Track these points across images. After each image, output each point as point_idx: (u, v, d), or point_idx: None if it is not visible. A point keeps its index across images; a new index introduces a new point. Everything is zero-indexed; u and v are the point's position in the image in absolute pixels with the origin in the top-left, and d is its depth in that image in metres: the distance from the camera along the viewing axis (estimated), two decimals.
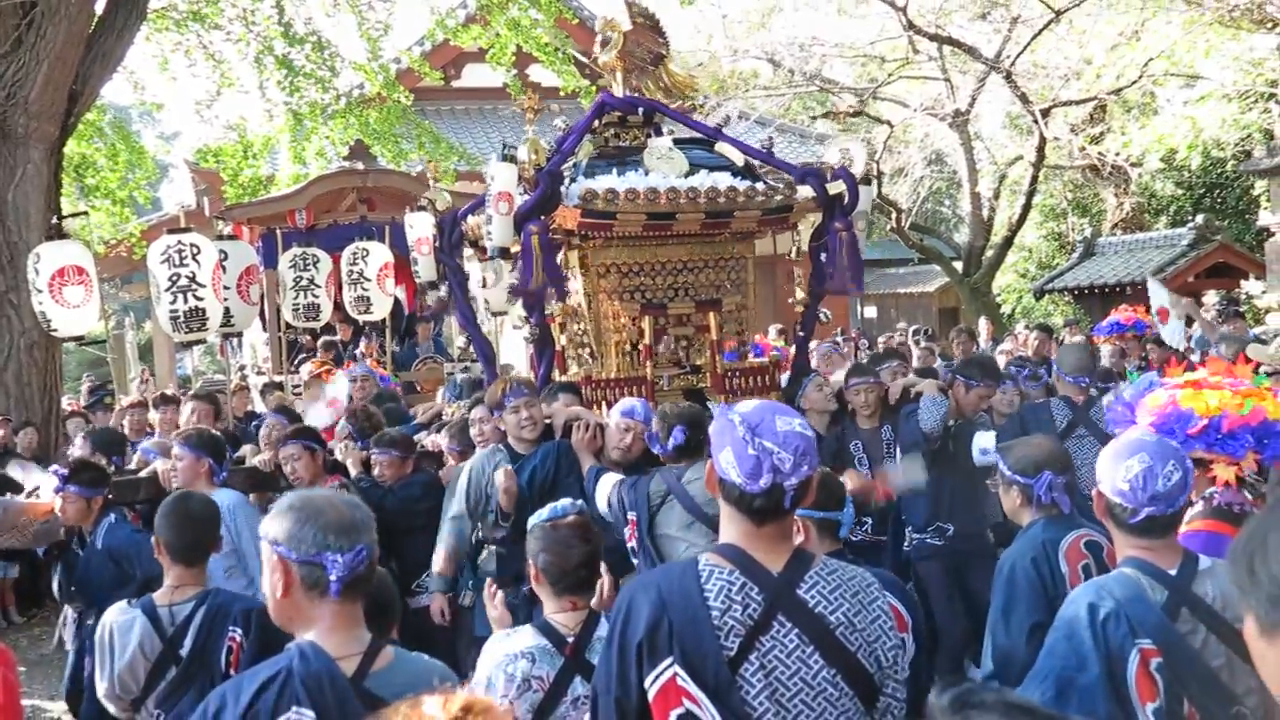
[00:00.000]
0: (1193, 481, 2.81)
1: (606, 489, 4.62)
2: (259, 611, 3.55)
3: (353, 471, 5.90)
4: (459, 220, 6.01)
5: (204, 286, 7.65)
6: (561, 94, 14.36)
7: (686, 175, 5.59)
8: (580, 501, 3.32)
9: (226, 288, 8.18)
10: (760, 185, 5.66)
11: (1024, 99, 16.24)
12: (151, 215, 19.31)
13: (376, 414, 6.91)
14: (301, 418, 7.23)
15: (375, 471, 5.84)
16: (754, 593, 2.24)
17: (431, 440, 6.49)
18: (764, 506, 2.26)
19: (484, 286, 6.96)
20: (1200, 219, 16.98)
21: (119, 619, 3.50)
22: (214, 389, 10.61)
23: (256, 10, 13.06)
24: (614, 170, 5.53)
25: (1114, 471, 2.79)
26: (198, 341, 8.23)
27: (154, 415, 9.06)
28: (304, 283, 10.50)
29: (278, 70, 13.22)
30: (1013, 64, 15.85)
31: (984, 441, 5.14)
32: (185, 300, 7.63)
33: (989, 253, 17.99)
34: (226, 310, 8.17)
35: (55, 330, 7.96)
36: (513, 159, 5.25)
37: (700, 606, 2.21)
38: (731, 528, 2.33)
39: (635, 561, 4.46)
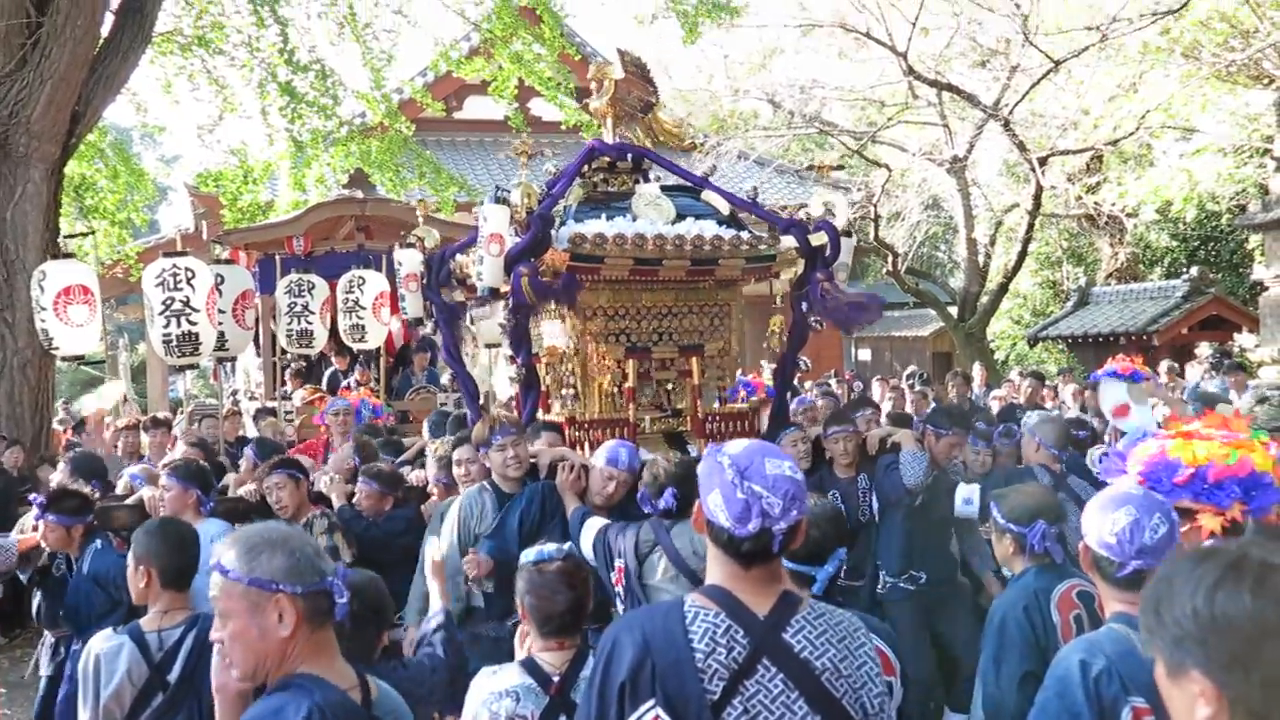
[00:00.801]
0: (1179, 535, 2.81)
1: (591, 534, 4.63)
2: None
3: (336, 503, 5.91)
4: (447, 258, 6.07)
5: (198, 311, 7.67)
6: (563, 127, 14.44)
7: (673, 222, 5.69)
8: (568, 545, 3.32)
9: (222, 312, 8.19)
10: (745, 234, 5.78)
11: (1021, 147, 16.34)
12: (149, 237, 19.31)
13: (371, 444, 6.94)
14: (282, 448, 7.23)
15: (354, 501, 5.88)
16: (739, 635, 2.22)
17: (416, 475, 6.52)
18: (752, 550, 2.24)
19: (471, 323, 7.02)
20: (1195, 271, 17.05)
21: (105, 647, 3.46)
22: (207, 411, 10.59)
23: (261, 37, 13.15)
24: (603, 215, 5.62)
25: (1101, 524, 2.79)
26: (190, 366, 8.23)
27: (145, 438, 9.02)
28: (299, 309, 10.51)
29: (280, 97, 13.29)
30: (1011, 112, 15.96)
31: (966, 493, 5.21)
32: (179, 324, 7.64)
33: (984, 298, 18.04)
34: (221, 334, 8.18)
35: (57, 349, 7.97)
36: (505, 201, 5.31)
37: (684, 648, 2.19)
38: (718, 569, 2.31)
39: (619, 607, 4.46)
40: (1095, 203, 18.19)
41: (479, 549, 4.95)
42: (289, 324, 10.55)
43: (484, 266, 5.26)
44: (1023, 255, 17.73)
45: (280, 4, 13.11)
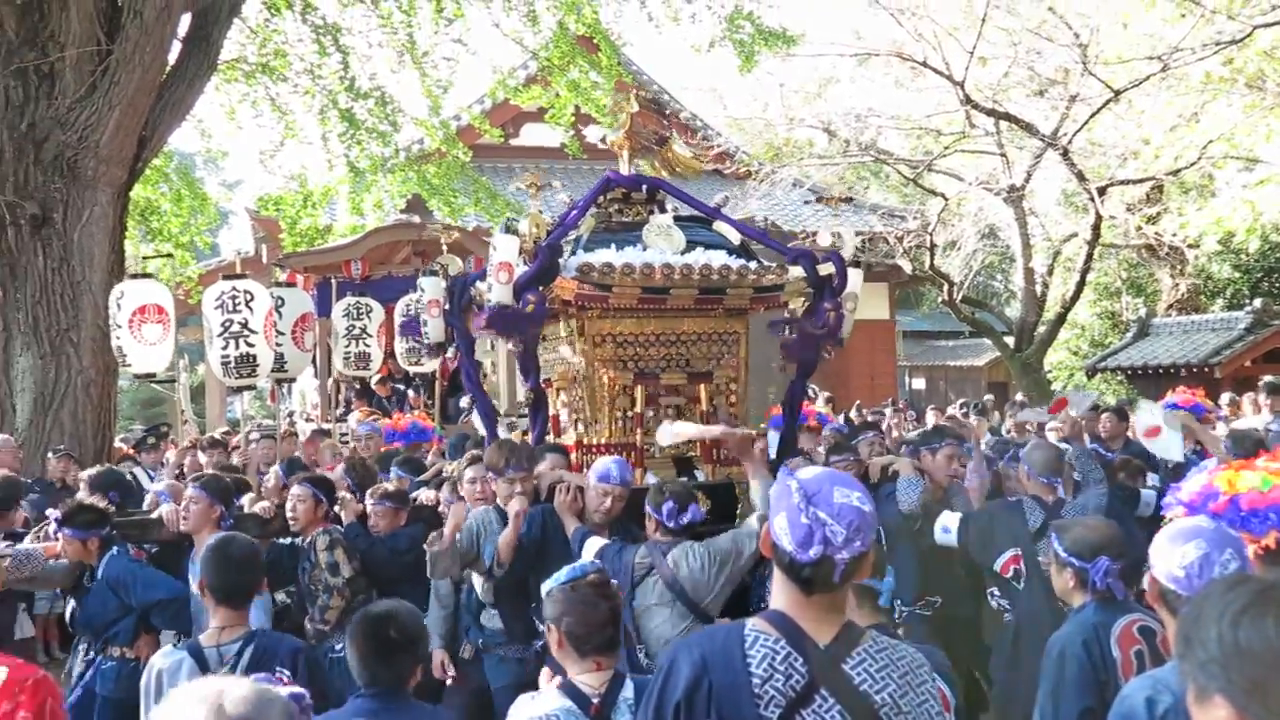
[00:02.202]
0: (1251, 570, 2.75)
1: (591, 554, 4.68)
2: (307, 652, 3.64)
3: (346, 521, 6.00)
4: (469, 285, 6.16)
5: (255, 333, 7.77)
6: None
7: (683, 252, 5.74)
8: (597, 561, 3.33)
9: (281, 334, 8.31)
10: (753, 264, 5.81)
11: (1080, 177, 16.18)
12: (210, 260, 19.65)
13: (372, 467, 7.03)
14: (308, 468, 7.34)
15: (370, 523, 5.97)
16: (798, 664, 2.20)
17: (428, 495, 6.60)
18: (812, 577, 2.23)
19: (491, 348, 7.14)
20: (1258, 303, 16.77)
21: (166, 663, 3.52)
22: (265, 432, 10.72)
23: (323, 65, 13.36)
24: (613, 245, 5.68)
25: (1169, 557, 2.73)
26: (248, 387, 8.34)
27: (203, 458, 9.16)
28: (356, 331, 10.64)
29: (340, 123, 13.49)
30: (1069, 141, 15.81)
31: (945, 521, 5.15)
32: (237, 346, 7.74)
33: (1041, 329, 17.84)
34: (280, 356, 8.29)
35: (129, 365, 8.14)
36: (515, 231, 5.45)
37: (742, 672, 2.18)
38: (781, 595, 2.30)
39: None
40: (1156, 233, 17.95)
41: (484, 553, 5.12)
42: (346, 347, 10.70)
43: (493, 294, 5.38)
44: (1081, 285, 17.52)
45: (342, 33, 13.33)
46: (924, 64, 16.21)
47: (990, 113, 16.21)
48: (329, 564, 5.58)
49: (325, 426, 11.86)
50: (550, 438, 6.05)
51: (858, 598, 3.26)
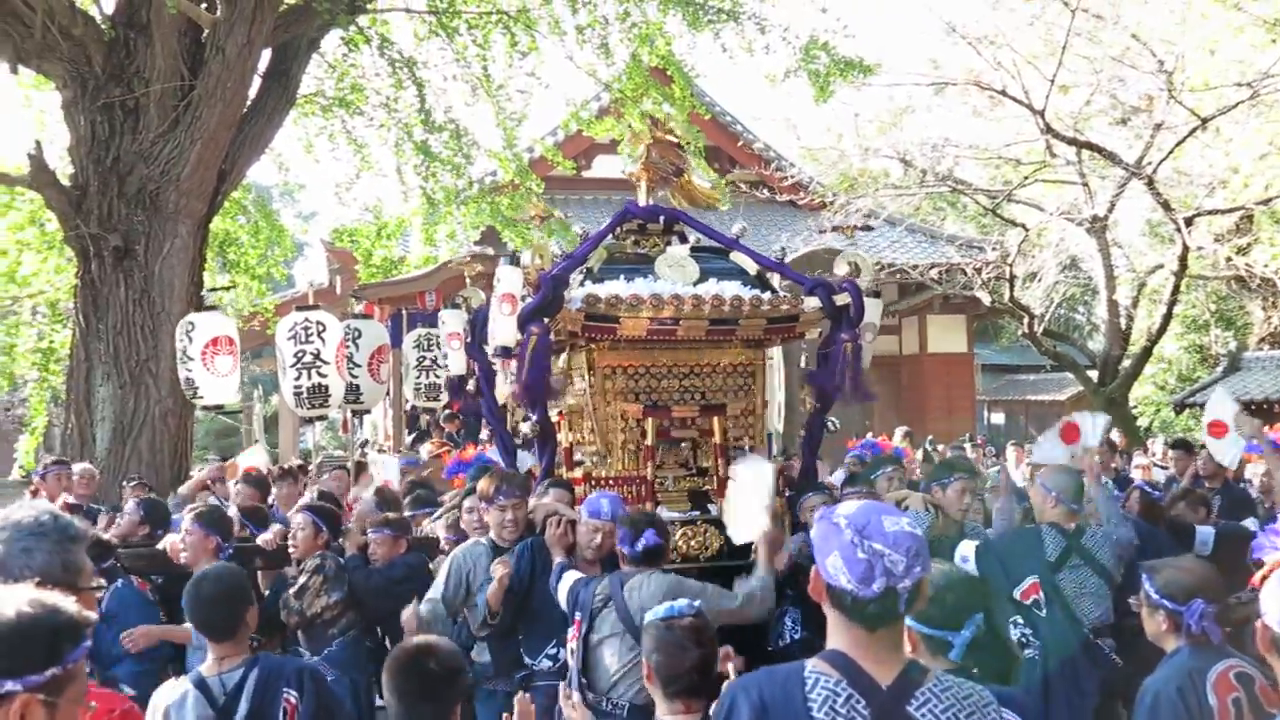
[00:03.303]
0: None
1: (567, 585, 4.71)
2: (312, 671, 3.68)
3: (349, 550, 6.08)
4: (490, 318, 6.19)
5: (327, 364, 7.85)
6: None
7: (696, 283, 5.74)
8: (698, 603, 3.30)
9: (357, 365, 8.40)
10: (766, 295, 5.79)
11: (1166, 206, 15.88)
12: (285, 291, 20.02)
13: (394, 494, 7.19)
14: (335, 499, 7.44)
15: (370, 551, 6.05)
16: (860, 705, 2.17)
17: (430, 526, 6.63)
18: (877, 612, 2.20)
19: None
20: None
21: (171, 697, 3.54)
22: (336, 464, 10.85)
23: (399, 98, 13.57)
24: (622, 276, 5.71)
25: None
26: (319, 417, 8.45)
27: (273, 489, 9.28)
28: (427, 363, 10.74)
29: (415, 155, 13.65)
30: (1154, 170, 15.54)
31: (965, 550, 5.03)
32: (309, 376, 7.83)
33: (1126, 362, 17.49)
34: (356, 387, 8.39)
35: (201, 398, 8.27)
36: (518, 262, 5.50)
37: (802, 713, 2.17)
38: (840, 635, 2.27)
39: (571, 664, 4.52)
40: (1246, 264, 17.54)
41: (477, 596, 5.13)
42: (417, 378, 10.79)
43: (496, 325, 5.47)
44: (1168, 318, 17.17)
45: (418, 66, 13.54)
46: (1003, 93, 16.07)
47: (1071, 141, 16.00)
48: (302, 586, 5.69)
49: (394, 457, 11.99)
50: (562, 471, 6.06)
51: (930, 651, 3.19)
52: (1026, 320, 17.66)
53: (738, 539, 5.17)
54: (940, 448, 13.02)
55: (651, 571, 4.47)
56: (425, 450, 11.51)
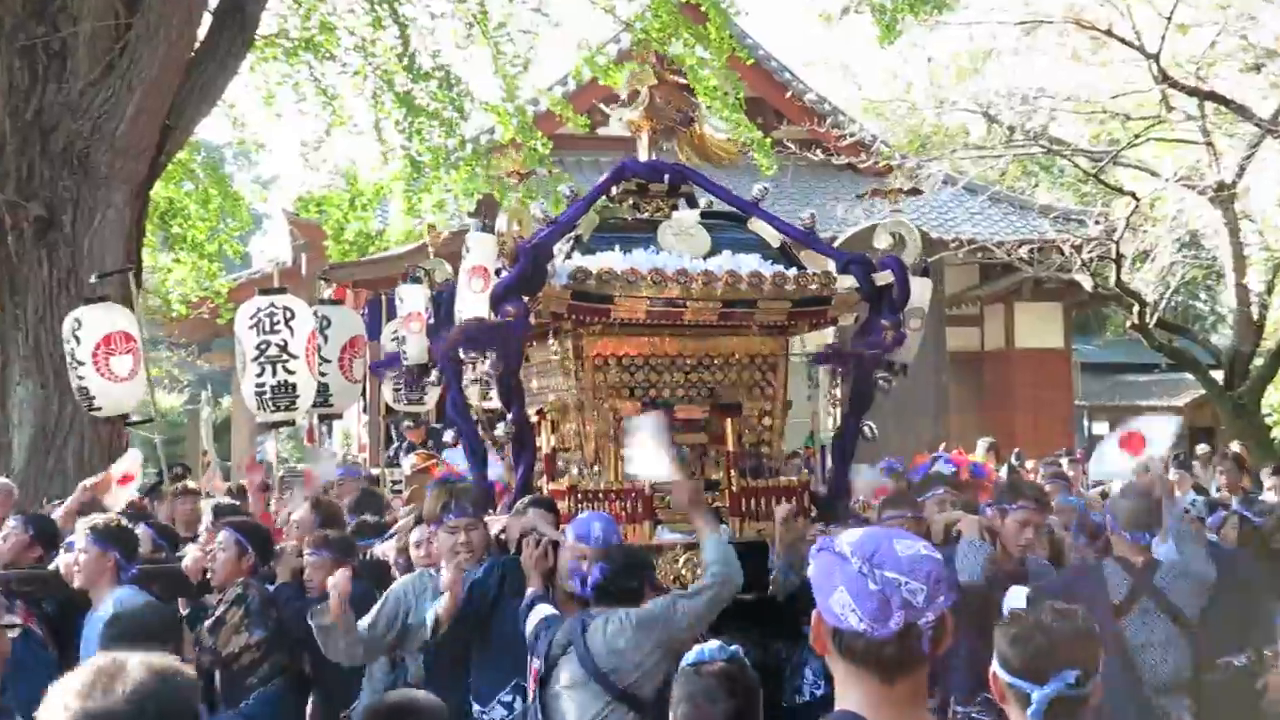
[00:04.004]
0: None
1: (533, 622, 4.73)
2: None
3: (280, 578, 6.02)
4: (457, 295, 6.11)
5: (296, 358, 7.88)
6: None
7: (706, 256, 5.73)
8: (735, 646, 3.30)
9: (326, 360, 8.44)
10: (791, 272, 5.77)
11: None
12: (240, 272, 20.09)
13: (334, 505, 7.04)
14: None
15: (305, 575, 5.96)
16: None
17: (380, 549, 6.60)
18: (896, 656, 2.19)
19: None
20: None
21: None
22: (298, 478, 10.88)
23: (378, 40, 13.58)
24: (618, 246, 5.69)
25: None
26: (284, 422, 8.45)
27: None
28: None
29: (397, 109, 13.68)
30: None
31: (1015, 599, 4.96)
32: (274, 372, 7.86)
33: (1258, 361, 17.37)
34: (325, 387, 8.42)
35: (99, 409, 8.21)
36: (491, 229, 5.40)
37: None
38: (853, 691, 2.25)
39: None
40: None
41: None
42: (398, 376, 10.81)
43: (464, 304, 5.38)
44: None
45: (401, 2, 13.54)
46: (1108, 33, 15.95)
47: (1193, 92, 15.88)
48: (215, 621, 5.61)
49: (374, 472, 12.02)
50: (543, 482, 6.03)
51: (1017, 704, 3.14)
52: (1136, 309, 17.55)
53: (644, 476, 5.24)
54: (1030, 464, 12.95)
55: (614, 610, 4.47)
56: (408, 463, 11.50)
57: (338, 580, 5.00)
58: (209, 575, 5.98)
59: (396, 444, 13.71)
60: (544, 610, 4.77)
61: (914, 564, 2.19)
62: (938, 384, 14.90)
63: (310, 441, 14.94)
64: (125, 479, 7.92)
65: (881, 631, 2.18)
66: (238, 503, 8.25)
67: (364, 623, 5.21)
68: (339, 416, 10.22)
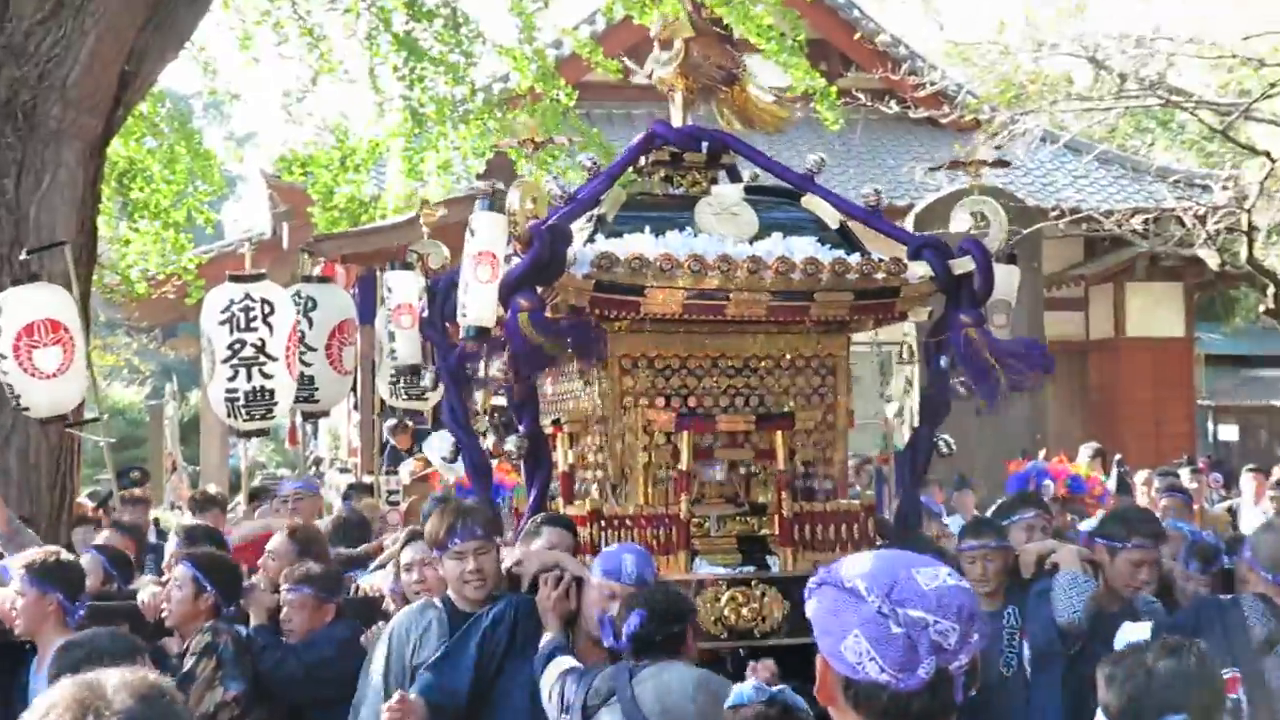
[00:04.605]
0: None
1: (553, 678, 4.69)
2: None
3: (253, 620, 6.01)
4: (456, 284, 6.05)
5: (274, 360, 7.84)
6: (789, 95, 14.46)
7: (752, 239, 5.69)
8: (780, 688, 3.32)
9: (311, 349, 8.43)
10: (853, 258, 5.70)
11: None
12: (212, 244, 20.17)
13: (316, 532, 7.11)
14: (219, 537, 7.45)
15: (283, 616, 5.95)
16: None
17: (371, 584, 6.60)
18: (927, 709, 2.18)
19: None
20: None
21: None
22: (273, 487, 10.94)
23: None
24: (648, 228, 5.64)
25: None
26: (259, 433, 8.46)
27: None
28: None
29: (395, 52, 13.68)
30: None
31: (1132, 633, 4.94)
32: (249, 377, 7.82)
33: None
34: (309, 380, 8.42)
35: (26, 409, 8.19)
36: (501, 208, 5.33)
37: None
38: None
39: None
40: None
41: (414, 685, 4.98)
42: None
43: (469, 297, 5.30)
44: None
45: None
46: None
47: None
48: (183, 674, 5.50)
49: (366, 480, 12.08)
50: (558, 504, 6.02)
51: None
52: (1272, 291, 17.46)
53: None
54: (1142, 475, 12.87)
55: (672, 661, 4.48)
56: (406, 470, 11.56)
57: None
58: (165, 615, 6.00)
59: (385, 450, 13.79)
60: (565, 663, 4.76)
61: (942, 599, 2.18)
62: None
63: (293, 443, 15.08)
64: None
65: (909, 683, 2.16)
66: (210, 525, 8.29)
67: (374, 683, 5.20)
68: (325, 415, 10.20)
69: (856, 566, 2.25)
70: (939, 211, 10.85)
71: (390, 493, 11.30)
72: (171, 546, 7.34)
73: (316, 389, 8.65)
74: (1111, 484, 11.04)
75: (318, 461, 15.48)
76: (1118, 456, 14.65)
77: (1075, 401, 20.63)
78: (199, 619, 5.78)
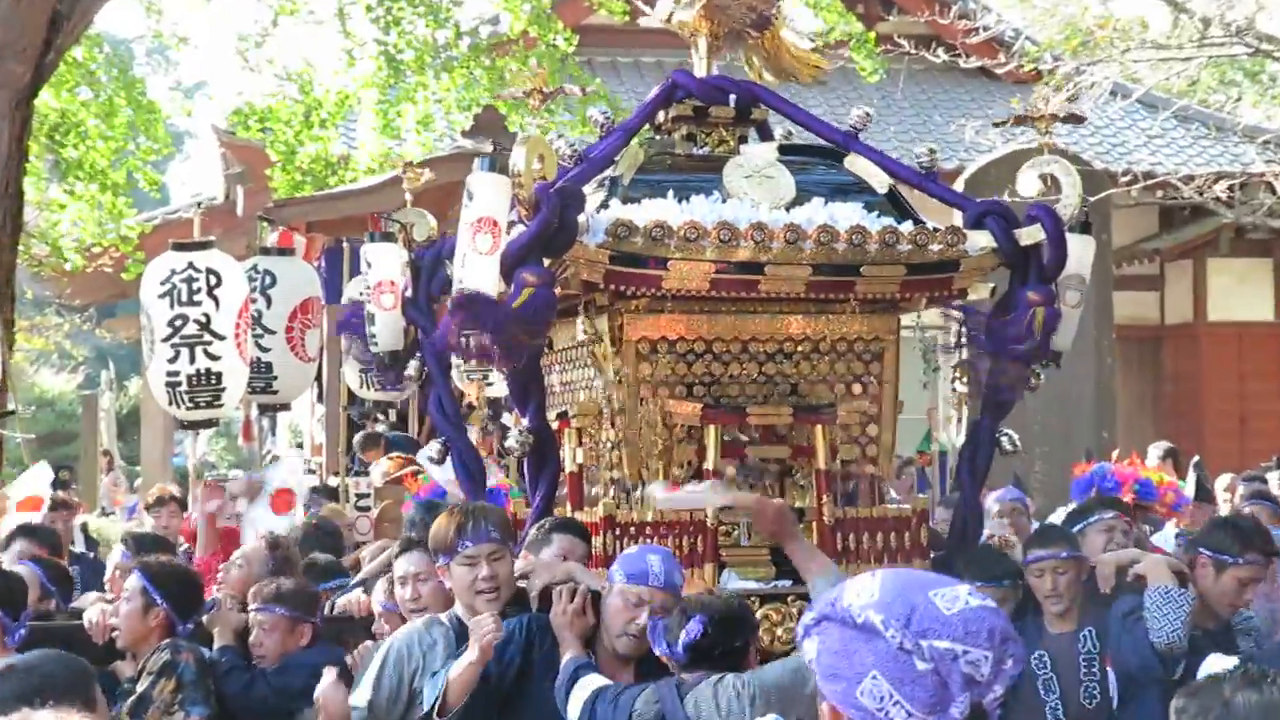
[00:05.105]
0: None
1: (581, 700, 4.65)
2: None
3: (218, 641, 6.01)
4: (445, 258, 6.02)
5: (222, 339, 7.78)
6: (823, 44, 14.46)
7: (789, 206, 5.65)
8: None
9: (269, 332, 8.41)
10: (905, 226, 5.65)
11: None
12: (155, 211, 20.16)
13: (288, 545, 7.09)
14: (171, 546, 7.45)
15: (252, 640, 5.95)
16: None
17: (359, 600, 6.58)
18: None
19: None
20: None
21: None
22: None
23: None
24: (670, 192, 5.62)
25: None
26: (206, 424, 8.41)
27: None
28: None
29: None
30: None
31: (1214, 666, 4.93)
32: (192, 358, 7.78)
33: None
34: (267, 367, 8.40)
35: None
36: (504, 168, 5.30)
37: None
38: None
39: None
40: None
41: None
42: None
43: (467, 270, 5.28)
44: None
45: None
46: None
47: None
48: (139, 696, 5.50)
49: (332, 482, 12.07)
50: (565, 509, 6.01)
51: None
52: None
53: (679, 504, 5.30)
54: (1228, 479, 12.86)
55: (722, 675, 4.46)
56: (378, 472, 11.56)
57: (328, 693, 4.99)
58: (116, 634, 5.97)
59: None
60: (594, 681, 4.70)
61: (970, 624, 2.15)
62: (1100, 369, 14.69)
63: (247, 440, 15.00)
64: (30, 504, 7.99)
65: None
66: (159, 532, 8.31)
67: (363, 699, 5.11)
68: (286, 408, 10.17)
69: (863, 595, 2.22)
70: (993, 176, 10.82)
71: (359, 496, 11.27)
72: (116, 557, 7.30)
73: (275, 378, 8.62)
74: (1189, 490, 11.01)
75: (275, 459, 15.42)
76: (1195, 459, 14.64)
77: (1148, 395, 20.61)
78: (151, 637, 5.74)
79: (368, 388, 11.01)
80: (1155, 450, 12.74)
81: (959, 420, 6.33)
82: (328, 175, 15.02)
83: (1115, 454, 11.32)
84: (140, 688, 5.51)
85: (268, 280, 8.51)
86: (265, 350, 8.44)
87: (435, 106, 14.58)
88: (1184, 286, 22.08)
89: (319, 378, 12.11)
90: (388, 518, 10.21)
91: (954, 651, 2.13)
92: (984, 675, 2.14)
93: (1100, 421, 15.17)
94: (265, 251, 9.09)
